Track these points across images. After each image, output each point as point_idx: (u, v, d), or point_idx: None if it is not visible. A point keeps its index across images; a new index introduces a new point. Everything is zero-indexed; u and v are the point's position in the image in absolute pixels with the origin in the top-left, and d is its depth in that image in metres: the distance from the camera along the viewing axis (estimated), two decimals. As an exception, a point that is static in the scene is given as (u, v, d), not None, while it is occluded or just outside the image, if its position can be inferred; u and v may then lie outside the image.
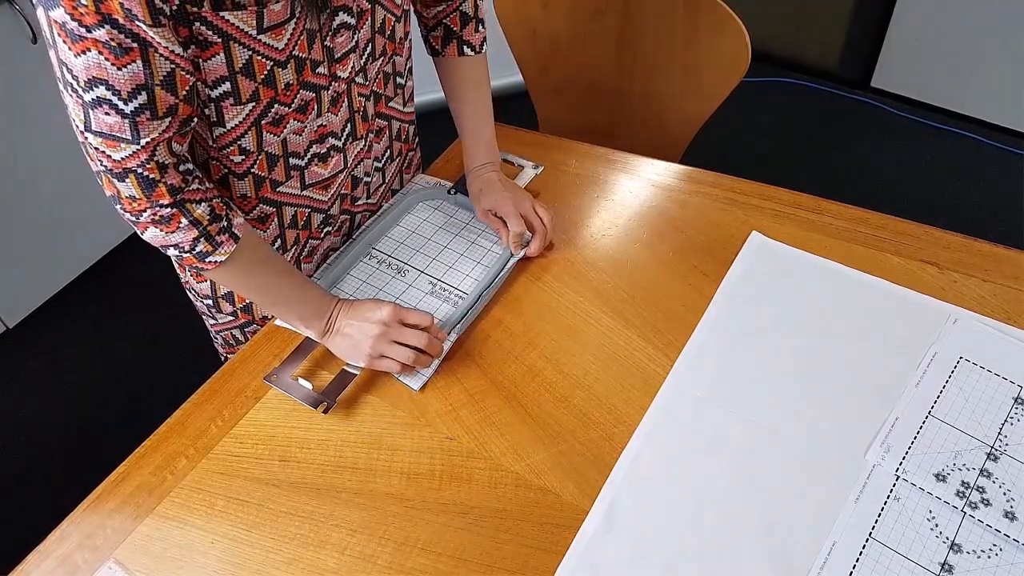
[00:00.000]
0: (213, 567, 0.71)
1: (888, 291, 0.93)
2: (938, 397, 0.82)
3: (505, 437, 0.81)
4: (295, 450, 0.79)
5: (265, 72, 0.75)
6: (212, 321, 1.02)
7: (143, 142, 0.68)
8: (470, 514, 0.74)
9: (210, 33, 0.69)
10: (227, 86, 0.73)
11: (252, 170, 0.83)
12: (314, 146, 0.87)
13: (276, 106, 0.79)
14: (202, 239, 0.76)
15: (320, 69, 0.80)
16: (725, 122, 1.42)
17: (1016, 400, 0.81)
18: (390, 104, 0.97)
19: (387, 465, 0.78)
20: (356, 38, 0.84)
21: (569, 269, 0.98)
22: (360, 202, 1.02)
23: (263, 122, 0.79)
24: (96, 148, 0.69)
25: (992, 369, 0.84)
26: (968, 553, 0.71)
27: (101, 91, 0.65)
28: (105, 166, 0.70)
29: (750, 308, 0.92)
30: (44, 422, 1.85)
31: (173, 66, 0.67)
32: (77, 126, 0.68)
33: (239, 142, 0.79)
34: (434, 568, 0.71)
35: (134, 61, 0.64)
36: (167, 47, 0.65)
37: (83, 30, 0.61)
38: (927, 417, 0.80)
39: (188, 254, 0.77)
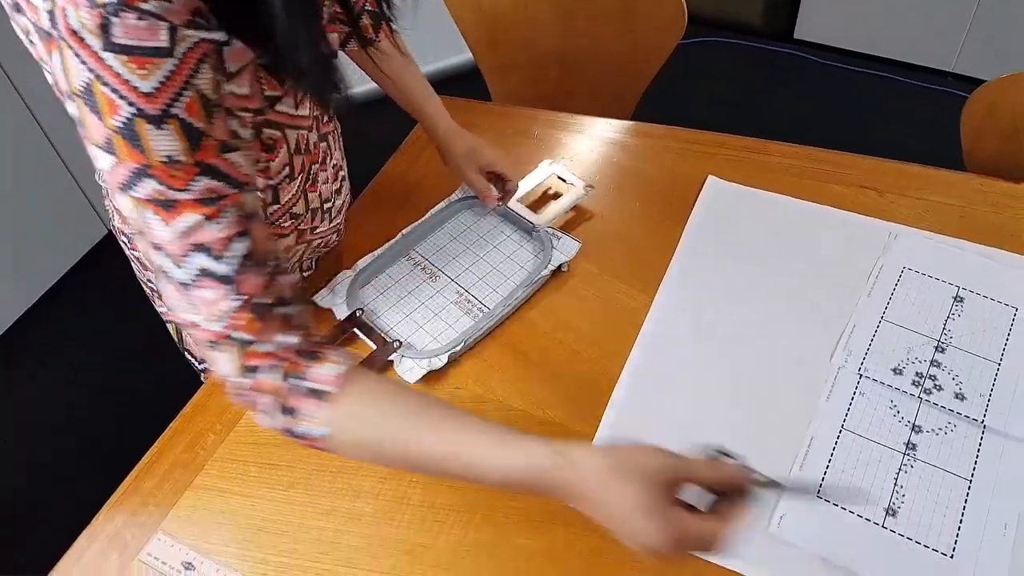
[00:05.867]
0: (257, 526, 0.77)
1: (835, 216, 1.02)
2: (888, 303, 0.92)
3: (508, 380, 0.87)
4: (316, 414, 0.85)
5: (306, 142, 0.78)
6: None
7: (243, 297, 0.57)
8: (487, 452, 0.81)
9: (273, 131, 0.71)
10: (287, 170, 0.76)
11: (300, 227, 0.86)
12: (333, 184, 0.91)
13: (313, 167, 0.82)
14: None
15: (325, 118, 0.84)
16: (662, 85, 1.50)
17: (955, 299, 0.92)
18: None
19: (403, 419, 0.84)
20: None
21: (545, 226, 1.05)
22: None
23: (307, 186, 0.82)
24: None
25: (932, 274, 0.94)
26: (928, 432, 0.81)
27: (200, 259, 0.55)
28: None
29: (714, 244, 1.01)
30: (42, 421, 1.87)
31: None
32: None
33: (291, 210, 0.82)
34: (463, 501, 0.77)
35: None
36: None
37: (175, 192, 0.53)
38: (880, 321, 0.90)
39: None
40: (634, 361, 0.89)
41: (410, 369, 0.87)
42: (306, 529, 0.77)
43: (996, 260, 0.95)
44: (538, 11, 1.48)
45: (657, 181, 1.10)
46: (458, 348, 0.89)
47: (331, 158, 0.88)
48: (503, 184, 1.04)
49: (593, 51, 1.50)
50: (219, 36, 0.54)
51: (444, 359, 0.87)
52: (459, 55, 2.43)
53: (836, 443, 0.80)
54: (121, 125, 0.51)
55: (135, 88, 0.50)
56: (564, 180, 1.08)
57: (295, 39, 0.55)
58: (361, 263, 0.97)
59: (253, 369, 0.57)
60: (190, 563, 0.74)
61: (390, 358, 0.87)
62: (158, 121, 0.51)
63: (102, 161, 0.53)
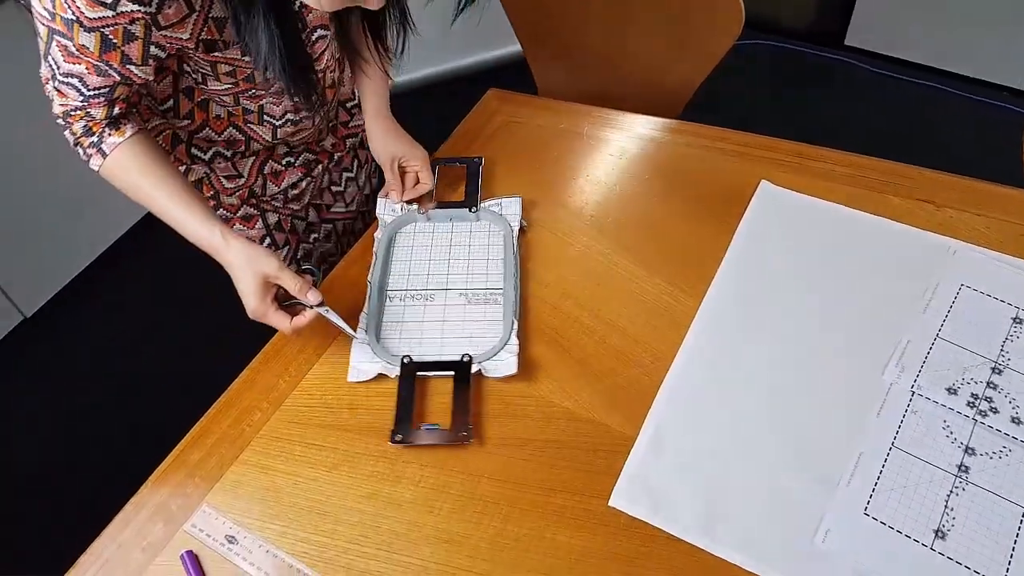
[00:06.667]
0: (301, 505, 0.77)
1: (891, 229, 1.00)
2: (944, 321, 0.90)
3: (552, 378, 0.87)
4: (362, 398, 0.85)
5: (247, 73, 0.89)
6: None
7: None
8: (528, 446, 0.81)
9: (200, 59, 0.85)
10: (209, 68, 0.87)
11: (229, 107, 0.96)
12: (289, 114, 1.00)
13: (254, 90, 0.93)
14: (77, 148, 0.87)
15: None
16: (708, 85, 1.47)
17: (1014, 320, 0.89)
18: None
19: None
20: (329, 37, 0.94)
21: (593, 223, 1.04)
22: (324, 143, 1.15)
23: (241, 96, 0.94)
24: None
25: (991, 293, 0.92)
26: (982, 455, 0.79)
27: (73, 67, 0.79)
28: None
29: (766, 250, 0.99)
30: (62, 410, 1.89)
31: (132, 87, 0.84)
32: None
33: (224, 85, 0.91)
34: (501, 493, 0.77)
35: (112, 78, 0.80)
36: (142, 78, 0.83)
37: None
38: (935, 339, 0.88)
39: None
40: (679, 365, 0.88)
41: (496, 368, 0.87)
42: (347, 511, 0.77)
43: (1058, 283, 0.92)
44: (590, 5, 1.46)
45: (706, 182, 1.09)
46: (515, 325, 0.90)
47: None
48: (415, 179, 1.06)
49: (644, 49, 1.48)
50: (152, 10, 0.75)
51: (515, 341, 0.88)
52: (508, 46, 2.42)
53: (886, 460, 0.79)
54: (63, 17, 0.74)
55: (81, 11, 0.73)
56: (456, 165, 1.13)
57: (254, 22, 0.75)
58: (360, 326, 0.92)
59: (71, 120, 0.84)
60: (233, 537, 0.75)
61: (474, 370, 0.86)
62: (88, 30, 0.75)
63: (42, 22, 0.77)
